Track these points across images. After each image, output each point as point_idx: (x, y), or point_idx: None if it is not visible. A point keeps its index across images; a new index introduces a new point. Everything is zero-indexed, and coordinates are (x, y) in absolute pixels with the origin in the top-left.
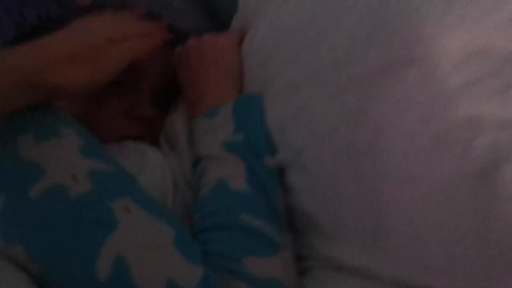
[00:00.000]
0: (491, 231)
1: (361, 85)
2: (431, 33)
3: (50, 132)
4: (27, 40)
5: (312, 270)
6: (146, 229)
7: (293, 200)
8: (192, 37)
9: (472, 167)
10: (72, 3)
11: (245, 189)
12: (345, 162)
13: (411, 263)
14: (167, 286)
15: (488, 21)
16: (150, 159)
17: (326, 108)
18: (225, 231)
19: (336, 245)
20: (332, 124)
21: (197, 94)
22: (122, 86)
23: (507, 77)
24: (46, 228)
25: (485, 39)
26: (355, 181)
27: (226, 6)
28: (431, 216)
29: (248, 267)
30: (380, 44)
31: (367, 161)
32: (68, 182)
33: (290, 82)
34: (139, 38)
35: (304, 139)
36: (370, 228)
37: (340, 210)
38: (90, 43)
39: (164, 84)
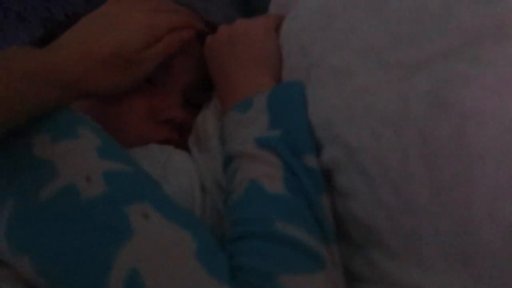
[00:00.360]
0: None
1: (436, 65)
2: None
3: (67, 133)
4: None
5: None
6: (165, 238)
7: (347, 206)
8: (223, 25)
9: None
10: (100, 0)
11: (282, 192)
12: (417, 163)
13: None
14: None
15: None
16: (175, 163)
17: (390, 96)
18: (259, 242)
19: (408, 266)
20: (398, 115)
21: (229, 86)
22: (151, 84)
23: None
24: (54, 235)
25: None
26: (431, 188)
27: None
28: None
29: (284, 286)
30: (459, 14)
31: (448, 162)
32: (81, 184)
33: (340, 66)
34: (172, 33)
35: (361, 134)
36: (456, 248)
37: (412, 224)
38: (127, 49)
39: (196, 81)
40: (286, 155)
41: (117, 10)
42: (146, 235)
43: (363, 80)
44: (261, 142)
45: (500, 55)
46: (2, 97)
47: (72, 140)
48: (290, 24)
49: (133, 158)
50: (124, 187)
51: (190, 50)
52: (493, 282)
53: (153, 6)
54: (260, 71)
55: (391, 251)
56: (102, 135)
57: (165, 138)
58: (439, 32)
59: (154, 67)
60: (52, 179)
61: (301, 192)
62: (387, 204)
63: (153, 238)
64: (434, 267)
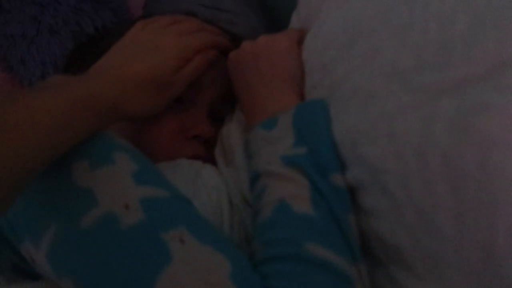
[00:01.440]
0: None
1: (461, 91)
2: None
3: (104, 159)
4: (85, 51)
5: None
6: (201, 261)
7: (371, 225)
8: (246, 41)
9: None
10: (126, 13)
11: (310, 212)
12: (442, 187)
13: None
14: None
15: None
16: (205, 179)
17: (414, 120)
18: (289, 264)
19: (431, 287)
20: (422, 140)
21: (253, 102)
22: (178, 102)
23: None
24: (96, 261)
25: None
26: (455, 213)
27: (284, 3)
28: None
29: None
30: (484, 40)
31: (472, 189)
32: (120, 211)
33: (364, 86)
34: (200, 55)
35: (385, 156)
36: (479, 275)
37: (436, 247)
38: (161, 73)
39: (221, 96)
40: (313, 174)
41: (147, 36)
42: (184, 260)
43: (387, 103)
44: (288, 161)
45: None
46: (50, 129)
47: (109, 166)
48: (312, 41)
49: (165, 177)
50: (161, 213)
51: (215, 66)
52: None
53: (180, 28)
54: (284, 87)
55: (414, 271)
56: (137, 158)
57: (193, 154)
58: (463, 58)
59: (185, 87)
60: (92, 207)
61: (329, 212)
62: (411, 225)
63: (190, 263)
64: None
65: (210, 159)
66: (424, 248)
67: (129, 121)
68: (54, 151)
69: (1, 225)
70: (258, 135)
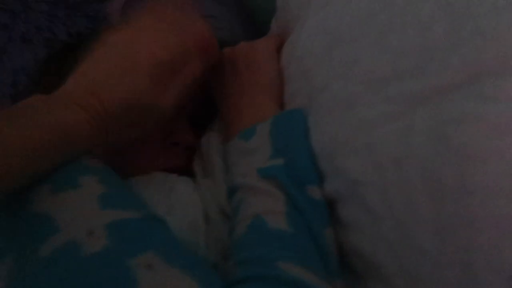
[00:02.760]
0: None
1: (439, 100)
2: None
3: (68, 183)
4: (59, 58)
5: None
6: (170, 287)
7: (349, 239)
8: (226, 47)
9: None
10: (103, 19)
11: (285, 228)
12: (421, 199)
13: None
14: None
15: None
16: (179, 195)
17: (392, 130)
18: (263, 285)
19: None
20: (400, 150)
21: (232, 111)
22: None
23: None
24: None
25: None
26: (435, 226)
27: (264, 10)
28: None
29: None
30: (462, 48)
31: (451, 202)
32: (82, 239)
33: (342, 95)
34: (196, 59)
35: (364, 168)
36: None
37: (415, 261)
38: (143, 101)
39: (202, 103)
40: (289, 187)
41: (139, 46)
42: (151, 286)
43: (366, 112)
44: (264, 173)
45: (502, 92)
46: (32, 153)
47: (72, 190)
48: (291, 48)
49: (136, 196)
50: (128, 238)
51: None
52: None
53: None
54: (263, 95)
55: (393, 287)
56: (106, 179)
57: (173, 163)
58: (441, 66)
59: (173, 111)
60: (52, 235)
61: (305, 227)
62: (391, 239)
63: None
64: None
65: (189, 168)
66: (403, 264)
67: None
68: (35, 174)
69: None
70: (236, 146)
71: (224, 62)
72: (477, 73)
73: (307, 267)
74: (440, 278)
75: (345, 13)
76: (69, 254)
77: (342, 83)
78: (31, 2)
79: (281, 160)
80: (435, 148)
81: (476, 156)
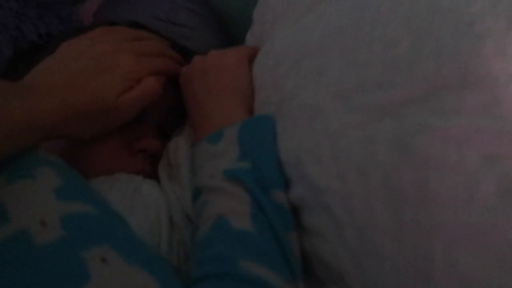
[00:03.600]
0: None
1: (402, 111)
2: (493, 50)
3: (24, 174)
4: (26, 58)
5: None
6: (125, 283)
7: (312, 245)
8: (197, 55)
9: None
10: (75, 21)
11: (249, 229)
12: (381, 208)
13: None
14: None
15: None
16: (143, 196)
17: (356, 139)
18: (223, 282)
19: None
20: (363, 159)
21: (200, 116)
22: None
23: None
24: (4, 283)
25: None
26: (394, 233)
27: (240, 21)
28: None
29: None
30: (425, 63)
31: (410, 209)
32: (35, 229)
33: (310, 104)
34: (147, 79)
35: (328, 175)
36: None
37: (376, 268)
38: (105, 94)
39: (170, 111)
40: (255, 189)
41: (104, 49)
42: (104, 281)
43: (331, 122)
44: (230, 175)
45: (462, 106)
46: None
47: (27, 180)
48: (263, 58)
49: (98, 191)
50: (83, 230)
51: (163, 80)
52: None
53: (141, 47)
54: (232, 101)
55: None
56: (64, 172)
57: (138, 169)
58: (405, 79)
59: (133, 113)
60: (3, 224)
61: (269, 229)
62: (352, 247)
63: (111, 284)
64: None
65: (153, 175)
66: (365, 271)
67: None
68: None
69: None
70: (203, 149)
71: (195, 68)
72: (438, 87)
73: (270, 268)
74: (400, 284)
75: (316, 27)
76: (19, 244)
77: (310, 92)
78: None
79: (248, 163)
80: (396, 158)
81: (435, 166)
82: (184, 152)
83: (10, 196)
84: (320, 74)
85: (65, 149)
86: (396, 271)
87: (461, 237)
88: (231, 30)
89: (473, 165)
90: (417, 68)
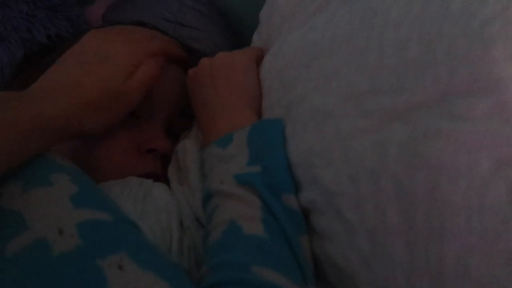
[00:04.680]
0: None
1: (413, 116)
2: (504, 55)
3: (39, 181)
4: (37, 60)
5: None
6: None
7: (323, 249)
8: (205, 57)
9: None
10: (84, 22)
11: (261, 234)
12: (393, 212)
13: None
14: None
15: None
16: (154, 201)
17: (368, 143)
18: None
19: None
20: (375, 163)
21: (209, 119)
22: (134, 117)
23: None
24: None
25: None
26: (406, 238)
27: (247, 22)
28: None
29: None
30: (436, 67)
31: (422, 214)
32: (53, 237)
33: (320, 107)
34: (148, 60)
35: (339, 179)
36: None
37: (387, 273)
38: (112, 83)
39: (178, 111)
40: (265, 194)
41: (97, 45)
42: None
43: (342, 125)
44: (241, 179)
45: (474, 110)
46: (14, 141)
47: (43, 188)
48: (272, 60)
49: (110, 197)
50: (99, 238)
51: (172, 81)
52: None
53: (130, 36)
54: (240, 105)
55: None
56: (78, 178)
57: (148, 170)
58: (416, 84)
59: (140, 98)
60: (21, 233)
61: (281, 233)
62: (364, 250)
63: None
64: None
65: (164, 177)
66: (376, 274)
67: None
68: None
69: None
70: (213, 153)
71: (202, 71)
72: (449, 92)
73: (283, 273)
74: (412, 286)
75: (326, 29)
76: (38, 252)
77: (320, 95)
78: (10, 1)
79: (258, 167)
80: (408, 162)
81: (446, 171)
82: (192, 155)
83: (27, 204)
84: (330, 77)
85: (75, 152)
86: (408, 275)
87: (473, 242)
88: (237, 31)
89: (485, 170)
90: (428, 72)
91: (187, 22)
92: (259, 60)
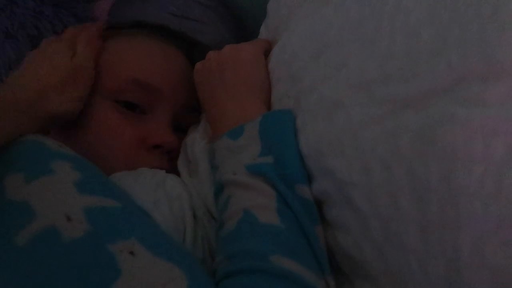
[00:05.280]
0: None
1: (426, 102)
2: None
3: (41, 169)
4: None
5: None
6: (155, 276)
7: (336, 239)
8: (212, 50)
9: None
10: (91, 19)
11: (276, 223)
12: (407, 200)
13: None
14: None
15: None
16: (168, 190)
17: (380, 131)
18: (255, 278)
19: None
20: (387, 151)
21: (218, 112)
22: (138, 111)
23: None
24: (35, 281)
25: None
26: (420, 226)
27: (254, 14)
28: None
29: None
30: (448, 52)
31: (436, 202)
32: (61, 224)
33: (330, 97)
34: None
35: (351, 168)
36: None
37: (401, 261)
38: (63, 64)
39: (185, 106)
40: (279, 184)
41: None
42: (134, 274)
43: (353, 114)
44: (253, 170)
45: (488, 96)
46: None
47: (46, 176)
48: (280, 51)
49: (121, 185)
50: (108, 223)
51: (178, 76)
52: None
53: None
54: (249, 96)
55: (380, 286)
56: (80, 166)
57: (154, 166)
58: (428, 70)
59: (91, 66)
60: (29, 222)
61: (296, 223)
62: (377, 239)
63: (141, 277)
64: None
65: (172, 172)
66: (389, 263)
67: (80, 129)
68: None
69: None
70: (224, 144)
71: (210, 64)
72: (463, 78)
73: (300, 262)
74: (425, 277)
75: (335, 18)
76: (48, 240)
77: (330, 85)
78: None
79: (270, 158)
80: (421, 150)
81: (461, 158)
82: (201, 147)
83: (33, 194)
84: (340, 66)
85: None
86: (422, 264)
87: (489, 229)
88: (244, 23)
89: (500, 156)
90: (440, 59)
91: (193, 16)
92: (267, 52)
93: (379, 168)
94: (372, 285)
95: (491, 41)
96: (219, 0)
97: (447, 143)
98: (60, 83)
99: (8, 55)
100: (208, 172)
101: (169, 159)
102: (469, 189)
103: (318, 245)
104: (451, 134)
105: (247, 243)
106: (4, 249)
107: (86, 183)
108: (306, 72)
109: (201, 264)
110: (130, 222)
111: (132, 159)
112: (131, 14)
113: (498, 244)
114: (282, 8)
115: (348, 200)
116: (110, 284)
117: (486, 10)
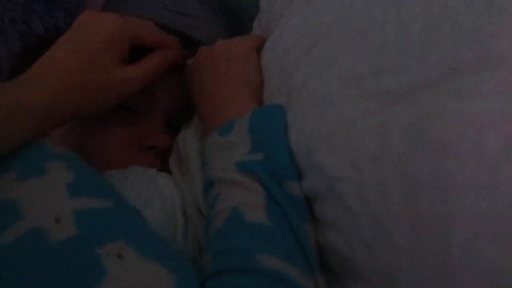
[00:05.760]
0: None
1: (417, 96)
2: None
3: (34, 169)
4: (35, 52)
5: None
6: (142, 278)
7: (326, 237)
8: (204, 46)
9: None
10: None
11: (264, 221)
12: (397, 196)
13: None
14: None
15: None
16: (158, 188)
17: (370, 126)
18: (239, 277)
19: None
20: (378, 146)
21: (209, 107)
22: (132, 111)
23: None
24: (19, 281)
25: None
26: (410, 223)
27: (248, 10)
28: None
29: None
30: (440, 44)
31: (427, 197)
32: (49, 225)
33: (321, 92)
34: (158, 52)
35: (341, 164)
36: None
37: (391, 259)
38: (95, 67)
39: (178, 104)
40: (268, 181)
41: (83, 18)
42: (121, 277)
43: (344, 109)
44: (243, 167)
45: (481, 88)
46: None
47: (38, 177)
48: (272, 46)
49: (112, 184)
50: (97, 226)
51: (170, 74)
52: None
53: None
54: (241, 92)
55: (371, 285)
56: (76, 167)
57: (149, 166)
58: (420, 63)
59: (138, 88)
60: (16, 222)
61: (285, 221)
62: (367, 237)
63: (128, 280)
64: None
65: (164, 171)
66: (380, 261)
67: (77, 128)
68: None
69: None
70: (214, 141)
71: (202, 59)
72: (454, 70)
73: (288, 261)
74: (416, 275)
75: (326, 12)
76: (34, 241)
77: (321, 80)
78: None
79: (260, 155)
80: (411, 144)
81: (453, 152)
82: (193, 145)
83: (22, 193)
84: (331, 61)
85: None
86: (413, 262)
87: (482, 226)
88: (238, 19)
89: (494, 150)
90: (432, 50)
91: (187, 11)
92: (259, 48)
93: (369, 163)
94: (363, 284)
95: (483, 33)
96: None
97: (439, 136)
98: (81, 89)
99: None
100: (199, 170)
101: (163, 159)
102: (460, 184)
103: (308, 243)
104: (443, 127)
105: (233, 242)
106: None
107: (79, 184)
108: (298, 67)
109: (191, 263)
110: (120, 224)
111: (127, 159)
112: (124, 10)
113: (491, 242)
114: (275, 4)
115: (338, 197)
116: (94, 286)
117: (479, 1)
